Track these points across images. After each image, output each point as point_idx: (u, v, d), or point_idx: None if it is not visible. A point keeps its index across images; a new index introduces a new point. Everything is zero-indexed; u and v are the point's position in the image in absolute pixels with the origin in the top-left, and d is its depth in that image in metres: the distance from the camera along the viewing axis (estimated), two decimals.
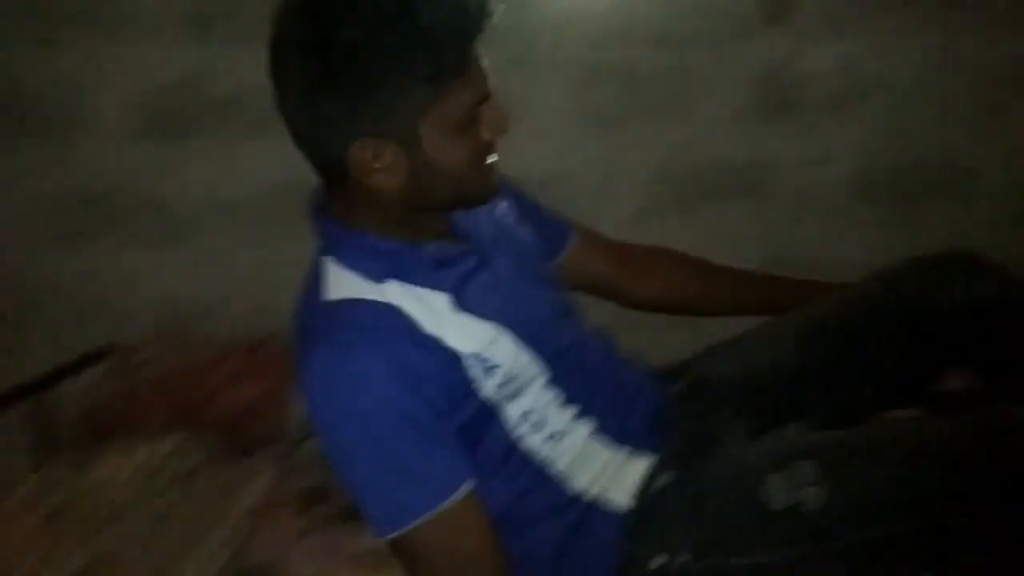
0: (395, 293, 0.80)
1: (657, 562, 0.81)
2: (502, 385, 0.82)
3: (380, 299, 0.80)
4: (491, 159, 0.83)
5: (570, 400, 0.87)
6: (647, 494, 0.86)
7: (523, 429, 0.84)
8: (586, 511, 0.86)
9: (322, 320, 0.80)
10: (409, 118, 0.76)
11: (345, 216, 0.84)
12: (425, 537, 0.76)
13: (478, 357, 0.81)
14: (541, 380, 0.85)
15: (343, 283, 0.81)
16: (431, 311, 0.80)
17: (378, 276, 0.81)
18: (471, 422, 0.81)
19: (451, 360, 0.80)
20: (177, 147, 1.79)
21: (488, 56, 0.79)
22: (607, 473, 0.87)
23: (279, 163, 1.14)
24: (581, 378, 0.89)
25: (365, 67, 0.73)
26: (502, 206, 0.97)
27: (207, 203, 1.83)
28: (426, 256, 0.84)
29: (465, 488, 0.77)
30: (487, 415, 0.82)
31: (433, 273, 0.82)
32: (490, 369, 0.81)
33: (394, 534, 0.76)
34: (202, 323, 1.81)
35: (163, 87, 1.76)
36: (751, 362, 1.05)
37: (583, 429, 0.87)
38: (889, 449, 0.82)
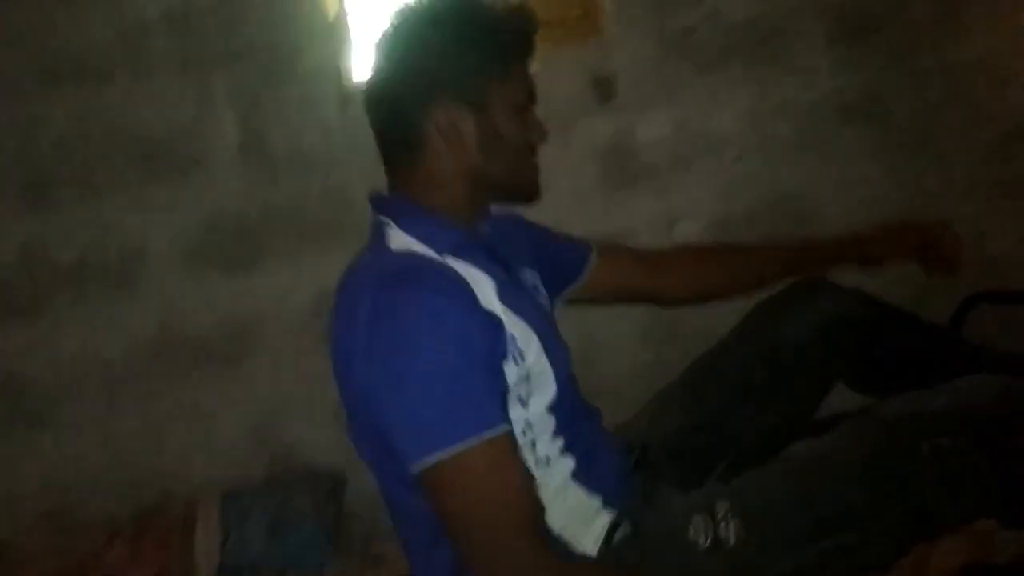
0: (454, 265, 0.84)
1: None
2: (520, 381, 0.84)
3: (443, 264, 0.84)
4: (537, 159, 0.94)
5: (560, 431, 0.89)
6: (609, 546, 0.87)
7: (521, 441, 0.85)
8: (564, 553, 0.86)
9: (397, 262, 0.84)
10: (482, 92, 0.87)
11: (413, 194, 0.90)
12: (467, 464, 0.75)
13: (514, 341, 0.83)
14: (548, 397, 0.88)
15: (407, 243, 0.86)
16: (483, 290, 0.84)
17: (439, 249, 0.85)
18: None
19: (499, 331, 0.83)
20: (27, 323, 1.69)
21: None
22: (579, 517, 0.88)
23: (150, 317, 1.09)
24: (572, 415, 0.92)
25: (450, 34, 0.86)
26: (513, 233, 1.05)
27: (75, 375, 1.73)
28: (481, 240, 0.91)
29: (506, 428, 0.78)
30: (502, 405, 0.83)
31: (484, 258, 0.88)
32: (519, 357, 0.83)
33: (439, 455, 0.75)
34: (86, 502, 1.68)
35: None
36: (667, 424, 1.11)
37: (567, 465, 0.89)
38: (789, 477, 0.87)
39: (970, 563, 0.97)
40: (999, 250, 1.88)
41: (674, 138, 1.98)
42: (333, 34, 1.84)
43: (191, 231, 1.87)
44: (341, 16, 1.86)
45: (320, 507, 1.66)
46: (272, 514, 1.63)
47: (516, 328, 0.84)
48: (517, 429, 0.84)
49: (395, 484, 0.87)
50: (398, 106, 0.89)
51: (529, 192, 0.95)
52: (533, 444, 0.86)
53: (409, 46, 0.88)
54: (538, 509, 0.79)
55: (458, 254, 0.85)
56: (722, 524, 0.81)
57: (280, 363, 1.90)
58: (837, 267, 1.23)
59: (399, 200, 0.92)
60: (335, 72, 1.85)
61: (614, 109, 1.92)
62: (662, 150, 1.98)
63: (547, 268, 1.08)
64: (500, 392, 0.81)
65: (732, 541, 0.81)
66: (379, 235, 0.89)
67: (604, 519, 0.88)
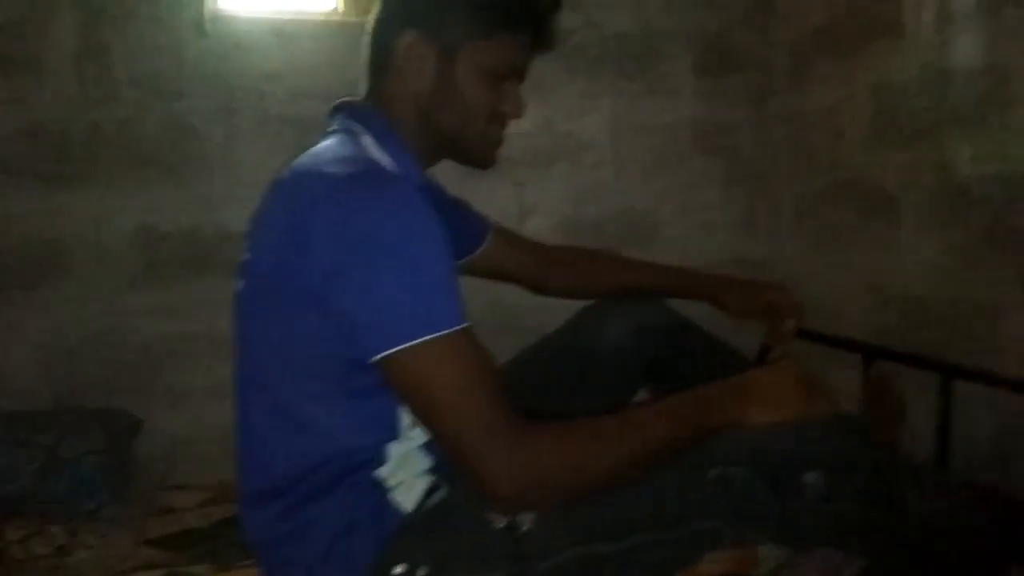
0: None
1: (398, 570, 0.82)
2: None
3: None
4: (498, 131, 0.95)
5: None
6: (423, 505, 0.87)
7: None
8: (381, 500, 0.86)
9: (376, 164, 0.85)
10: (456, 40, 0.89)
11: (380, 105, 0.93)
12: (437, 353, 0.76)
13: None
14: None
15: (381, 157, 0.87)
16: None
17: (405, 173, 0.88)
18: None
19: None
20: None
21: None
22: (409, 474, 0.88)
23: None
24: None
25: None
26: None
27: None
28: (430, 193, 0.91)
29: (470, 325, 0.78)
30: None
31: (429, 201, 0.86)
32: None
33: (412, 342, 0.75)
34: None
35: None
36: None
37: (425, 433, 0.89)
38: None
39: (731, 574, 1.04)
40: (811, 292, 2.04)
41: (537, 135, 2.01)
42: None
43: (7, 136, 1.70)
44: None
45: (105, 448, 1.55)
46: (49, 448, 1.51)
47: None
48: None
49: (295, 396, 0.85)
50: (379, 24, 0.93)
51: (477, 158, 0.96)
52: None
53: None
54: (500, 381, 0.81)
55: (421, 194, 0.86)
56: None
57: (87, 296, 1.76)
58: (693, 299, 1.30)
59: (371, 112, 0.93)
60: None
61: None
62: (524, 144, 2.01)
63: (450, 236, 1.08)
64: None
65: (525, 527, 0.83)
66: (350, 136, 0.89)
67: (426, 481, 0.89)
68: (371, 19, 0.94)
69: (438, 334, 0.75)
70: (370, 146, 0.88)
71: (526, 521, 0.82)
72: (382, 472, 0.86)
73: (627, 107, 2.06)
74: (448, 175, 1.88)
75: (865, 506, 0.86)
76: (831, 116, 1.92)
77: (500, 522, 0.83)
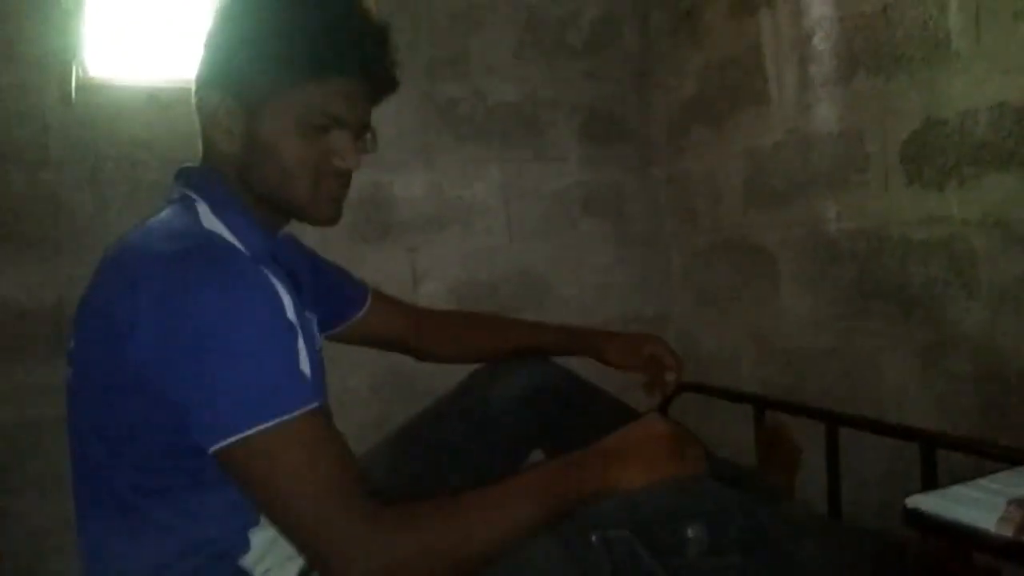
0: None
1: None
2: None
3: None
4: (334, 186, 0.88)
5: None
6: None
7: None
8: None
9: (210, 238, 0.80)
10: (260, 91, 0.83)
11: (216, 174, 0.87)
12: (273, 441, 0.71)
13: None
14: None
15: (220, 229, 0.82)
16: (285, 303, 0.81)
17: (250, 251, 0.82)
18: None
19: (296, 341, 0.80)
20: None
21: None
22: (280, 556, 0.82)
23: None
24: None
25: (236, 32, 0.84)
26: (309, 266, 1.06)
27: None
28: (281, 260, 0.87)
29: (319, 403, 0.74)
30: None
31: (285, 278, 0.84)
32: None
33: (245, 432, 0.70)
34: None
35: None
36: (371, 481, 1.07)
37: None
38: None
39: None
40: (703, 346, 2.09)
41: (428, 200, 2.01)
42: (66, 21, 1.66)
43: None
44: (77, 3, 1.67)
45: None
46: None
47: (301, 350, 0.80)
48: None
49: (135, 493, 0.78)
50: (195, 86, 0.88)
51: (313, 217, 0.90)
52: None
53: (210, 26, 0.87)
54: (357, 472, 0.75)
55: (265, 264, 0.82)
56: None
57: None
58: (578, 355, 1.31)
59: (208, 177, 0.87)
60: (61, 61, 1.66)
61: (372, 162, 1.90)
62: (415, 209, 2.00)
63: (323, 302, 1.06)
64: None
65: None
66: (187, 209, 0.84)
67: (297, 565, 0.84)
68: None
69: (274, 421, 0.71)
70: (205, 215, 0.83)
71: None
72: (246, 561, 0.80)
73: (516, 173, 2.09)
74: (337, 239, 1.86)
75: (748, 557, 0.86)
76: (709, 179, 2.01)
77: None
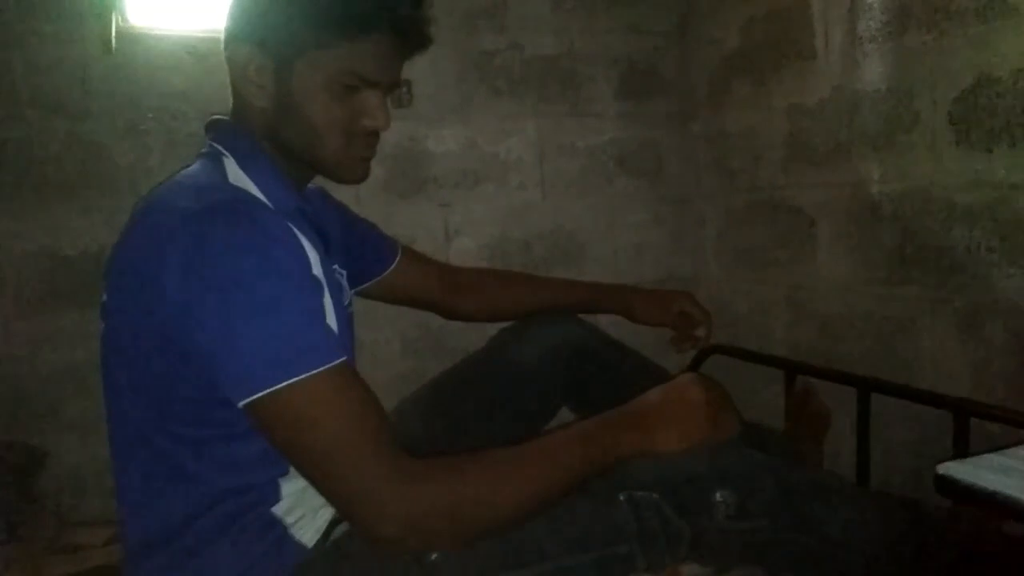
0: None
1: None
2: None
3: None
4: (362, 146, 0.88)
5: None
6: (325, 539, 0.84)
7: None
8: (279, 538, 0.82)
9: (237, 194, 0.80)
10: (290, 49, 0.82)
11: (245, 129, 0.87)
12: (305, 394, 0.71)
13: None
14: None
15: (247, 185, 0.83)
16: (312, 257, 0.80)
17: (277, 207, 0.82)
18: None
19: (321, 296, 0.80)
20: None
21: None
22: (309, 507, 0.84)
23: None
24: None
25: None
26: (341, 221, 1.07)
27: None
28: (308, 215, 0.88)
29: (344, 360, 0.75)
30: None
31: (312, 233, 0.84)
32: None
33: (275, 386, 0.71)
34: None
35: None
36: (406, 433, 1.09)
37: None
38: None
39: None
40: (735, 308, 2.07)
41: (462, 155, 2.00)
42: None
43: None
44: None
45: (1, 483, 1.46)
46: None
47: (327, 305, 0.81)
48: None
49: (169, 442, 0.79)
50: (225, 38, 0.87)
51: (340, 175, 0.90)
52: None
53: None
54: (387, 424, 0.76)
55: (292, 219, 0.82)
56: None
57: None
58: (607, 313, 1.31)
59: (236, 131, 0.87)
60: (101, 11, 1.67)
61: (407, 116, 1.90)
62: (449, 165, 1.99)
63: (353, 257, 1.07)
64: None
65: (433, 557, 0.80)
66: (215, 164, 0.84)
67: (328, 514, 0.86)
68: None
69: (302, 376, 0.71)
70: (233, 170, 0.83)
71: (434, 552, 0.79)
72: (278, 509, 0.82)
73: (552, 128, 2.07)
74: (370, 194, 1.87)
75: (775, 522, 0.86)
76: (749, 137, 1.96)
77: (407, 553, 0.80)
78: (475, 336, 1.31)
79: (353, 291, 1.10)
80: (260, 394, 0.71)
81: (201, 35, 1.75)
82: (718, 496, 0.85)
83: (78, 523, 1.61)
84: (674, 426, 0.86)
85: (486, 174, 2.03)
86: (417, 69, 2.01)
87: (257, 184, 0.83)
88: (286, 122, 0.85)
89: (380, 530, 0.73)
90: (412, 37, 0.87)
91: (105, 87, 1.69)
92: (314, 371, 0.72)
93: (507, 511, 0.78)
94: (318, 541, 0.82)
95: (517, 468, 0.79)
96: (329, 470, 0.73)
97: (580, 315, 1.27)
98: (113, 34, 1.67)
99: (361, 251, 1.13)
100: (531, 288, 1.31)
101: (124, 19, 1.72)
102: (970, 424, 1.19)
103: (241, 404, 0.72)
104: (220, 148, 0.85)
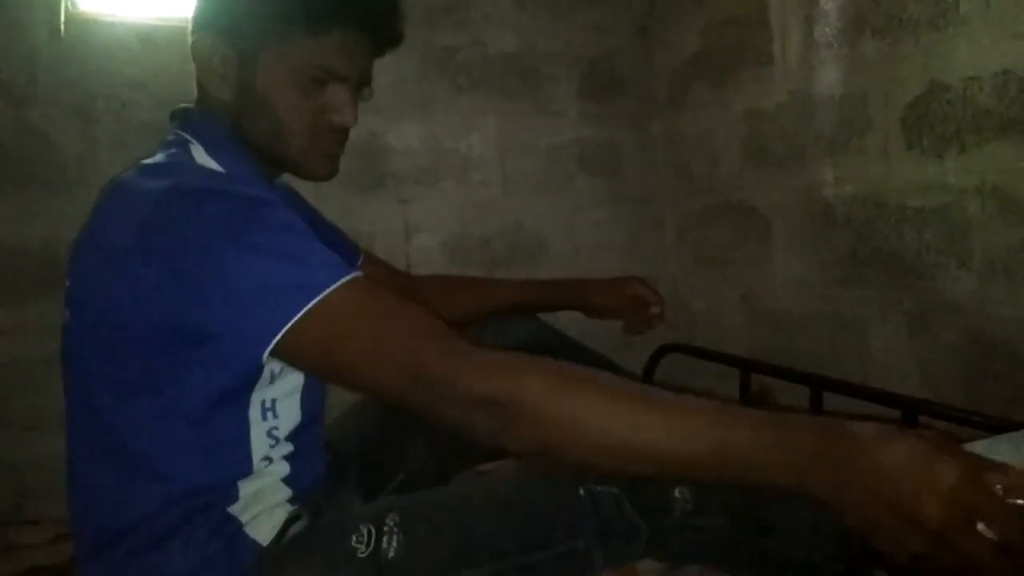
0: None
1: None
2: None
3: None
4: (329, 142, 0.86)
5: (295, 435, 0.85)
6: (281, 537, 0.82)
7: (256, 413, 0.80)
8: (234, 535, 0.80)
9: (207, 173, 0.77)
10: (255, 40, 0.80)
11: (211, 115, 0.84)
12: (340, 306, 0.68)
13: None
14: (299, 385, 0.84)
15: (214, 168, 0.79)
16: None
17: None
18: (239, 378, 0.77)
19: None
20: None
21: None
22: (266, 504, 0.82)
23: None
24: (313, 416, 0.88)
25: None
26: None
27: None
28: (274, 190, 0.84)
29: (363, 274, 0.72)
30: (251, 379, 0.78)
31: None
32: None
33: (305, 307, 0.67)
34: None
35: None
36: (360, 431, 1.09)
37: (283, 469, 0.84)
38: (456, 501, 0.87)
39: None
40: (693, 308, 2.10)
41: (423, 151, 1.99)
42: None
43: None
44: None
45: None
46: None
47: None
48: (259, 402, 0.79)
49: (130, 438, 0.77)
50: (191, 27, 0.84)
51: (307, 171, 0.87)
52: (268, 422, 0.82)
53: None
54: (426, 309, 0.73)
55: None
56: (386, 537, 0.79)
57: None
58: (563, 308, 1.31)
59: (202, 119, 0.84)
60: None
61: (367, 110, 1.87)
62: (410, 160, 1.98)
63: None
64: (230, 376, 0.76)
65: (391, 555, 0.79)
66: (181, 150, 0.80)
67: (284, 511, 0.84)
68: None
69: (327, 291, 0.68)
70: (200, 156, 0.80)
71: (391, 549, 0.78)
72: (234, 509, 0.80)
73: (513, 126, 2.07)
74: (330, 189, 1.84)
75: (734, 521, 0.87)
76: (708, 139, 1.99)
77: (363, 551, 0.78)
78: None
79: None
80: (294, 320, 0.68)
81: (155, 23, 1.71)
82: (677, 493, 0.85)
83: (21, 523, 1.56)
84: (883, 490, 0.58)
85: (447, 171, 2.02)
86: (378, 63, 1.97)
87: (227, 169, 0.80)
88: (251, 115, 0.83)
89: (458, 385, 0.67)
90: (382, 33, 0.85)
91: (53, 74, 1.64)
92: (337, 283, 0.69)
93: (613, 458, 0.67)
94: (273, 539, 0.81)
95: (661, 416, 0.65)
96: (390, 361, 0.69)
97: (538, 314, 1.27)
98: (62, 19, 1.62)
99: None
100: (485, 291, 1.30)
101: (74, 4, 1.66)
102: (919, 422, 1.22)
103: (274, 342, 0.68)
104: (186, 136, 0.82)
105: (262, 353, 0.69)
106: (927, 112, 1.39)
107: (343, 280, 0.69)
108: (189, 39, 0.85)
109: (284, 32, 0.80)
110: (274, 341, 0.68)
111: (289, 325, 0.68)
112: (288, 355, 0.71)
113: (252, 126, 0.83)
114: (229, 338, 0.70)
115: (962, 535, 0.54)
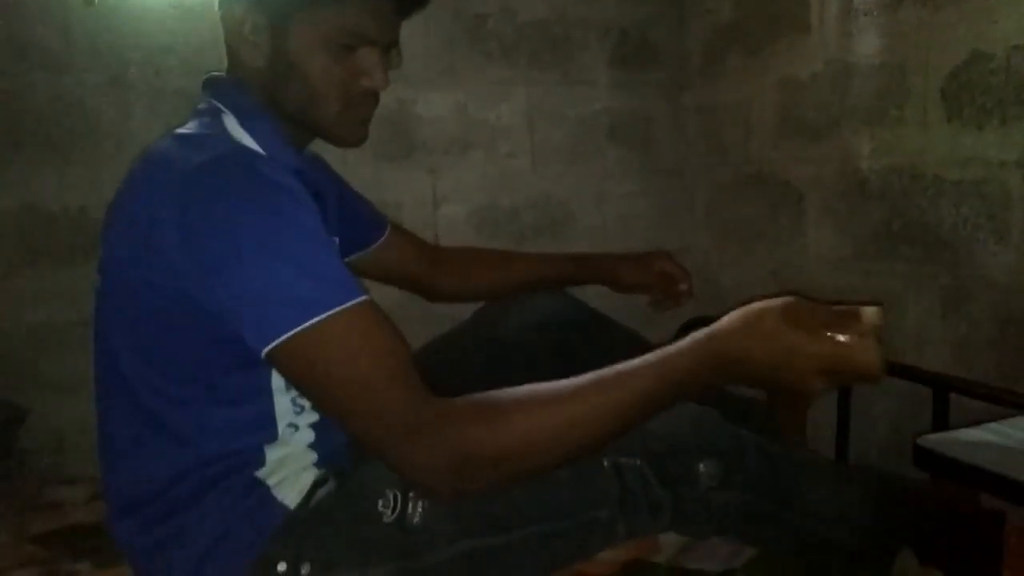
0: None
1: (280, 568, 0.79)
2: None
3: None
4: (362, 106, 0.87)
5: None
6: (308, 500, 0.83)
7: (280, 382, 0.81)
8: (262, 498, 0.81)
9: (242, 149, 0.78)
10: (287, 7, 0.81)
11: (243, 85, 0.85)
12: (330, 333, 0.70)
13: None
14: None
15: (249, 143, 0.81)
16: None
17: (273, 155, 0.80)
18: (255, 354, 0.76)
19: None
20: None
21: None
22: (292, 467, 0.84)
23: None
24: None
25: None
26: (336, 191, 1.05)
27: None
28: (309, 180, 0.83)
29: (368, 297, 0.74)
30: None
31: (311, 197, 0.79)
32: None
33: (298, 327, 0.70)
34: None
35: None
36: None
37: (308, 436, 0.86)
38: None
39: (632, 560, 1.04)
40: (722, 282, 2.08)
41: (452, 120, 1.98)
42: None
43: None
44: None
45: None
46: None
47: None
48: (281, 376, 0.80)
49: (159, 402, 0.79)
50: None
51: (338, 137, 0.89)
52: (295, 401, 0.83)
53: None
54: (410, 357, 0.75)
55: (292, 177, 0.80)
56: (411, 503, 0.81)
57: None
58: (590, 283, 1.30)
59: (235, 88, 0.86)
60: None
61: (395, 78, 1.87)
62: (438, 130, 1.97)
63: (345, 227, 1.06)
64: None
65: (415, 521, 0.80)
66: (214, 120, 0.82)
67: (311, 475, 0.86)
68: None
69: (328, 313, 0.70)
70: (232, 126, 0.82)
71: (416, 514, 0.79)
72: (261, 473, 0.82)
73: (543, 96, 2.05)
74: (358, 158, 1.85)
75: (758, 495, 0.87)
76: (741, 110, 1.95)
77: (389, 516, 0.80)
78: (462, 304, 1.31)
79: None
80: (285, 336, 0.70)
81: None
82: (702, 467, 0.85)
83: (60, 481, 1.61)
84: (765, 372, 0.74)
85: (475, 140, 2.01)
86: (406, 30, 1.94)
87: (258, 142, 0.82)
88: (283, 82, 0.84)
89: (415, 472, 0.72)
90: None
91: (87, 40, 1.65)
92: (337, 308, 0.70)
93: (559, 455, 0.74)
94: (300, 502, 0.83)
95: (571, 406, 0.73)
96: (358, 410, 0.72)
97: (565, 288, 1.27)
98: None
99: (353, 221, 1.12)
100: (512, 264, 1.30)
101: None
102: (950, 400, 1.20)
103: (266, 351, 0.71)
104: (219, 105, 0.84)
105: (260, 351, 0.72)
106: (968, 82, 1.35)
107: (339, 308, 0.71)
108: (218, 8, 0.85)
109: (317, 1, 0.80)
110: (269, 346, 0.71)
111: (277, 342, 0.70)
112: (277, 360, 0.72)
113: (285, 93, 0.84)
114: (236, 325, 0.72)
115: (815, 379, 0.74)
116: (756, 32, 1.88)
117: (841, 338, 0.74)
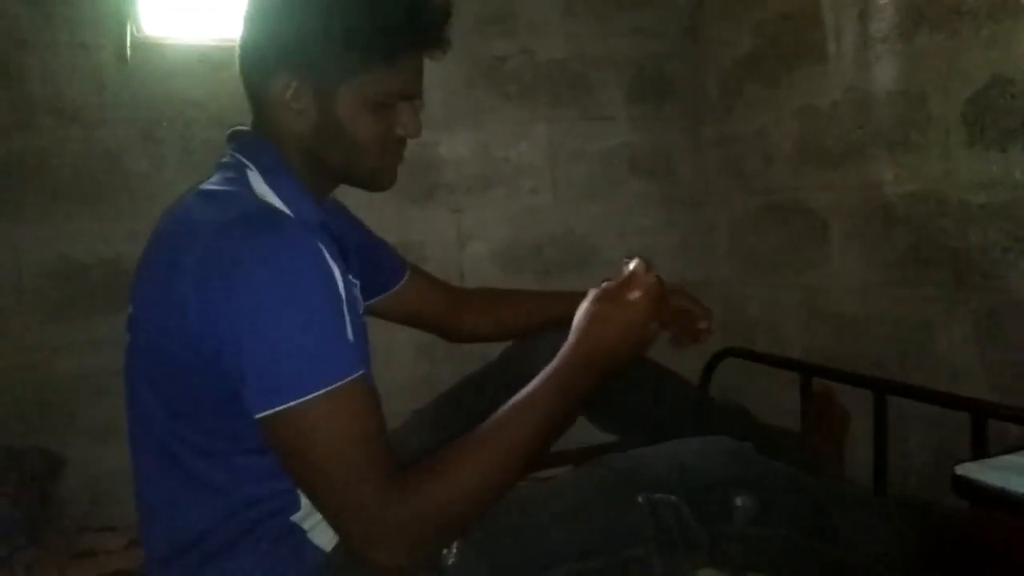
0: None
1: None
2: None
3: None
4: (395, 154, 0.91)
5: None
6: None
7: None
8: (299, 542, 0.82)
9: (263, 207, 0.80)
10: (331, 79, 0.84)
11: (266, 136, 0.88)
12: (326, 408, 0.72)
13: None
14: None
15: (271, 199, 0.83)
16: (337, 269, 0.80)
17: (296, 209, 0.83)
18: None
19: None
20: None
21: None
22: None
23: None
24: None
25: (309, 17, 0.83)
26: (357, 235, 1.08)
27: None
28: (330, 229, 0.87)
29: (363, 371, 0.75)
30: None
31: (333, 248, 0.81)
32: None
33: (297, 400, 0.71)
34: None
35: None
36: (417, 442, 1.11)
37: None
38: (514, 509, 0.86)
39: None
40: (749, 312, 2.07)
41: (474, 160, 2.01)
42: None
43: None
44: None
45: (18, 488, 1.47)
46: None
47: (348, 318, 0.80)
48: None
49: (189, 454, 0.80)
50: (249, 60, 0.87)
51: (374, 185, 0.92)
52: None
53: (272, 7, 0.85)
54: (388, 445, 0.77)
55: (316, 233, 0.82)
56: (451, 549, 0.80)
57: (7, 335, 1.68)
58: None
59: (258, 144, 0.88)
60: (117, 21, 1.69)
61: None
62: (461, 170, 2.00)
63: (366, 270, 1.07)
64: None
65: (451, 560, 0.80)
66: (239, 175, 0.84)
67: None
68: (237, 48, 0.88)
69: (319, 392, 0.72)
70: (257, 182, 0.83)
71: (451, 555, 0.79)
72: (296, 517, 0.82)
73: (562, 133, 2.07)
74: (383, 200, 1.87)
75: (795, 529, 0.86)
76: (761, 140, 1.96)
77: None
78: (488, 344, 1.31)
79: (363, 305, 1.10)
80: (274, 408, 0.72)
81: (213, 43, 1.77)
82: (738, 501, 0.84)
83: (98, 528, 1.62)
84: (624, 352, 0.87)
85: (497, 179, 2.03)
86: (428, 75, 1.99)
87: (282, 198, 0.83)
88: (328, 143, 0.86)
89: (372, 553, 0.74)
90: (439, 46, 0.88)
91: (120, 95, 1.71)
92: (329, 388, 0.72)
93: (496, 491, 0.80)
94: (336, 546, 0.83)
95: (493, 445, 0.80)
96: (325, 495, 0.74)
97: None
98: (128, 43, 1.69)
99: (374, 267, 1.13)
100: (532, 304, 1.30)
101: (139, 28, 1.73)
102: (988, 425, 1.18)
103: (257, 417, 0.73)
104: (243, 159, 0.86)
105: (253, 415, 0.73)
106: (989, 106, 1.35)
107: (333, 386, 0.72)
108: (243, 68, 0.88)
109: (360, 66, 0.83)
110: (261, 414, 0.73)
111: (279, 408, 0.72)
112: (265, 426, 0.74)
113: (329, 152, 0.87)
114: (240, 385, 0.74)
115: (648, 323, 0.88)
116: (774, 63, 1.89)
117: (634, 290, 0.89)
